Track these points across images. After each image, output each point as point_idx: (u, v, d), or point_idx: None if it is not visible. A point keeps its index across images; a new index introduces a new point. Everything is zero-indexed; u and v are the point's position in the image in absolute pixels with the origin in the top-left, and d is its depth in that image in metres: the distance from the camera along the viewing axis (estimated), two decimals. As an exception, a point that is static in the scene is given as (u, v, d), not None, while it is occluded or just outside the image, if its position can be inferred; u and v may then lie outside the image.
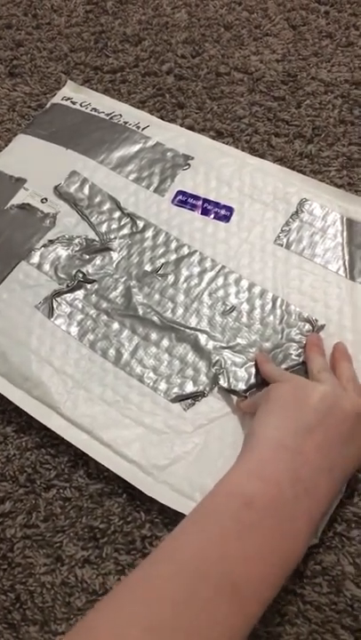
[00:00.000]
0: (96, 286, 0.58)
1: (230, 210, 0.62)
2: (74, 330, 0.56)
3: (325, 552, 0.48)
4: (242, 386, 0.53)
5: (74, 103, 0.71)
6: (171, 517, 0.50)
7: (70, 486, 0.51)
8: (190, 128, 0.71)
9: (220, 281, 0.58)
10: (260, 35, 0.78)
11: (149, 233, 0.61)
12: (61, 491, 0.51)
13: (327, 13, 0.79)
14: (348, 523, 0.49)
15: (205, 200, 0.63)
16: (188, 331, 0.56)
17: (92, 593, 0.48)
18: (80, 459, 0.52)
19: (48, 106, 0.72)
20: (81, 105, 0.71)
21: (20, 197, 0.64)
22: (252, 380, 0.53)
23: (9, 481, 0.52)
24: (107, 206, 0.63)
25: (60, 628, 0.46)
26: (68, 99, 0.72)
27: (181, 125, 0.72)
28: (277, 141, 0.69)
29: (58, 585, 0.48)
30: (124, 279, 0.59)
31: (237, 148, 0.69)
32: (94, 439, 0.51)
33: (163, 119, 0.72)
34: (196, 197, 0.63)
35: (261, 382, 0.53)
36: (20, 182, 0.65)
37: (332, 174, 0.66)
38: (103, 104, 0.71)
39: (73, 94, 0.72)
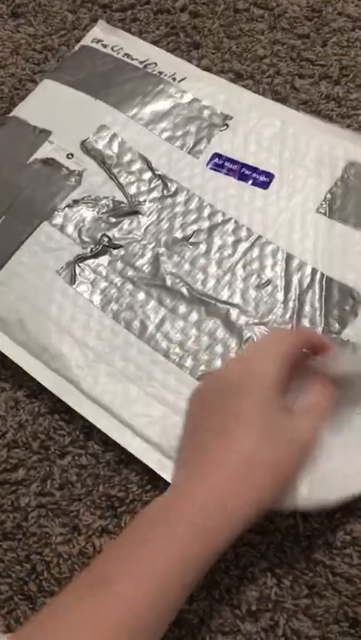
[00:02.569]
0: (122, 252, 0.57)
1: (270, 176, 0.59)
2: (97, 298, 0.55)
3: (356, 521, 0.47)
4: None
5: (105, 46, 0.68)
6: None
7: (86, 453, 0.51)
8: (207, 69, 0.68)
9: (256, 252, 0.56)
10: (282, -33, 0.72)
11: (181, 197, 0.59)
12: (77, 458, 0.51)
13: None
14: None
15: (243, 165, 0.60)
16: (218, 304, 0.54)
17: None
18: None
19: (77, 48, 0.69)
20: (113, 49, 0.68)
21: (44, 151, 0.62)
22: None
23: (22, 448, 0.52)
24: (137, 166, 0.61)
25: None
26: (99, 41, 0.69)
27: (197, 66, 0.67)
28: (302, 83, 0.65)
29: (75, 555, 0.48)
30: (152, 246, 0.57)
31: (258, 91, 0.67)
32: (114, 417, 0.50)
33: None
34: (233, 161, 0.60)
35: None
36: (44, 134, 0.63)
37: None
38: (137, 49, 0.68)
39: (104, 36, 0.69)
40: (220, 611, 0.45)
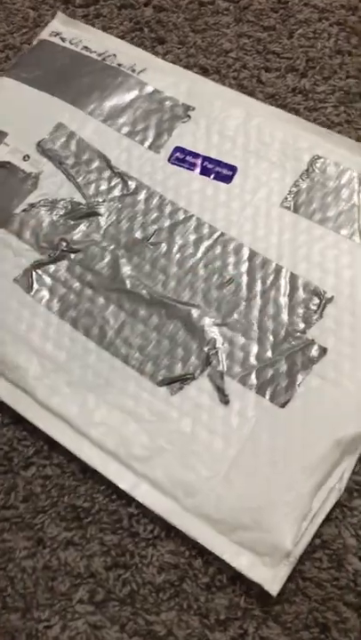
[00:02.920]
0: (81, 256, 0.55)
1: (233, 169, 0.58)
2: (55, 305, 0.54)
3: (325, 524, 0.47)
4: (237, 368, 0.50)
5: (63, 40, 0.66)
6: (158, 494, 0.46)
7: (51, 464, 0.50)
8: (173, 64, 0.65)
9: (218, 250, 0.55)
10: None
11: (142, 195, 0.57)
12: (41, 469, 0.50)
13: None
14: (350, 492, 0.47)
15: (206, 158, 0.59)
16: (179, 306, 0.53)
17: (77, 576, 0.46)
18: None
19: (35, 42, 0.67)
20: (71, 42, 0.66)
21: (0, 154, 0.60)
22: (250, 361, 0.50)
23: (-15, 461, 0.49)
24: (95, 165, 0.59)
25: (43, 615, 0.45)
26: (57, 34, 0.67)
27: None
28: (268, 76, 0.64)
29: (40, 569, 0.47)
30: (111, 248, 0.56)
31: (224, 85, 0.63)
32: (72, 428, 0.49)
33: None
34: (195, 155, 0.59)
35: (260, 366, 0.50)
36: (0, 136, 0.60)
37: (329, 111, 0.62)
38: (96, 41, 0.66)
39: (63, 28, 0.67)
40: (187, 621, 0.44)
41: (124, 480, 0.47)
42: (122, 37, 0.68)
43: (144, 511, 0.47)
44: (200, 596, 0.45)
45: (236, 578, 0.45)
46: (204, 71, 0.65)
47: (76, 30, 0.67)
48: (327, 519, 0.46)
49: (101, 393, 0.50)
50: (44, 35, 0.67)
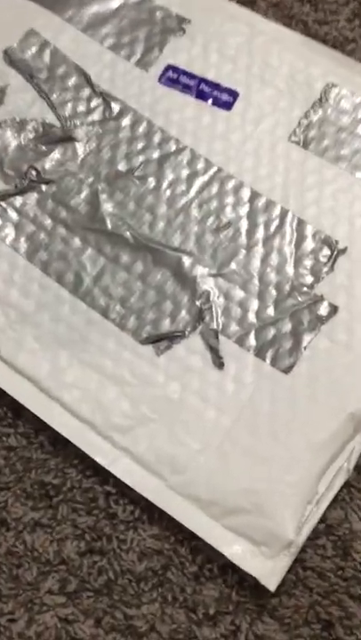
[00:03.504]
0: (54, 188, 0.49)
1: (234, 94, 0.51)
2: (22, 246, 0.47)
3: (330, 507, 0.41)
4: (234, 327, 0.44)
5: None
6: (141, 470, 0.41)
7: (15, 432, 0.44)
8: None
9: (215, 188, 0.48)
10: None
11: (127, 120, 0.50)
12: (4, 438, 0.44)
13: None
14: (359, 470, 0.41)
15: (202, 80, 0.51)
16: (168, 252, 0.46)
17: (46, 563, 0.41)
18: None
19: None
20: None
21: None
22: (249, 319, 0.44)
23: None
24: (73, 81, 0.52)
25: (7, 607, 0.40)
26: None
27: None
28: None
29: (2, 554, 0.41)
30: (90, 180, 0.49)
31: None
32: (41, 390, 0.43)
33: None
34: (190, 75, 0.51)
35: (260, 325, 0.44)
36: None
37: (342, 25, 0.55)
38: None
39: None
40: (172, 614, 0.39)
41: (100, 453, 0.41)
42: None
43: (123, 490, 0.41)
44: (187, 587, 0.39)
45: (229, 567, 0.40)
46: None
47: None
48: (333, 501, 0.41)
49: (76, 350, 0.43)
50: None
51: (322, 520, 0.40)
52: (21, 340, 0.44)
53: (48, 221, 0.47)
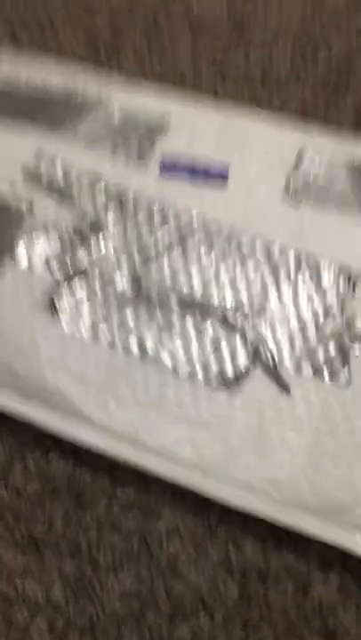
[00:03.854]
0: (96, 271, 0.53)
1: (224, 172, 0.57)
2: (85, 323, 0.51)
3: (290, 552, 0.45)
4: (287, 357, 0.49)
5: (18, 78, 0.64)
6: (117, 518, 0.45)
7: (6, 486, 0.48)
8: (130, 73, 0.62)
9: (234, 250, 0.54)
10: None
11: (142, 209, 0.56)
12: None
13: None
14: None
15: (194, 166, 0.57)
16: (213, 310, 0.51)
17: (35, 606, 0.43)
18: (17, 453, 0.48)
19: None
20: (27, 82, 0.63)
21: None
22: (298, 348, 0.49)
23: None
24: (86, 184, 0.57)
25: None
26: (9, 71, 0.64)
27: (119, 72, 0.62)
28: (224, 87, 0.61)
29: None
30: (125, 259, 0.53)
31: (183, 93, 0.62)
32: (139, 447, 0.46)
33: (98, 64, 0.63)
34: (182, 164, 0.58)
35: (310, 349, 0.49)
36: None
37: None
38: (55, 72, 0.64)
39: (9, 68, 0.65)
40: (150, 651, 0.43)
41: (208, 488, 0.45)
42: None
43: (103, 538, 0.45)
44: (163, 626, 0.43)
45: (200, 605, 0.43)
46: (163, 79, 0.62)
47: (24, 64, 0.64)
48: (293, 549, 0.45)
49: (159, 407, 0.47)
50: None
51: (282, 563, 0.45)
52: (107, 408, 0.47)
53: (99, 298, 0.51)
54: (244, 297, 0.51)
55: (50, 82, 0.62)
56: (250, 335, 0.50)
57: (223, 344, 0.49)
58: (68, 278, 0.52)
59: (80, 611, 0.44)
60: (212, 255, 0.53)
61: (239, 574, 0.44)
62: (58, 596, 0.44)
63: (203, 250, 0.53)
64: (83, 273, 0.52)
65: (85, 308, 0.51)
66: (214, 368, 0.49)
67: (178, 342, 0.50)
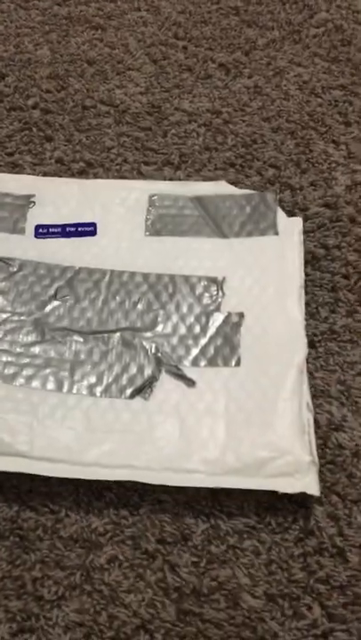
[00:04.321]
0: (7, 327, 0.60)
1: (92, 225, 0.67)
2: (5, 373, 0.57)
3: (220, 567, 0.50)
4: (185, 357, 0.58)
5: None
6: (63, 554, 0.49)
7: None
8: (59, 160, 0.74)
9: (116, 284, 0.63)
10: (122, 69, 0.81)
11: (28, 270, 0.64)
12: None
13: (185, 48, 0.83)
14: (240, 534, 0.51)
15: (65, 225, 0.67)
16: (112, 334, 0.60)
17: None
18: None
19: None
20: None
21: None
22: (194, 349, 0.58)
23: None
24: None
25: None
26: None
27: (50, 158, 0.72)
28: (147, 169, 0.72)
29: None
30: (27, 315, 0.61)
31: (108, 177, 0.71)
32: (76, 464, 0.53)
33: (31, 152, 0.72)
34: (54, 226, 0.67)
35: (202, 347, 0.59)
36: None
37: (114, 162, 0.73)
38: None
39: None
40: None
41: (177, 481, 0.52)
42: (12, 136, 0.75)
43: (48, 573, 0.48)
44: (107, 651, 0.46)
45: (140, 627, 0.47)
46: (90, 165, 0.72)
47: None
48: (222, 562, 0.50)
49: (87, 428, 0.54)
50: None
51: (215, 579, 0.49)
52: (41, 440, 0.53)
53: (16, 349, 0.58)
54: (137, 322, 0.60)
55: None
56: (148, 347, 0.58)
57: (127, 360, 0.58)
58: None
59: (27, 645, 0.46)
60: (102, 294, 0.62)
61: (176, 594, 0.48)
62: (5, 634, 0.46)
63: (90, 291, 0.62)
64: None
65: (2, 358, 0.58)
66: (126, 382, 0.57)
67: (89, 371, 0.57)
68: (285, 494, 0.52)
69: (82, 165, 0.72)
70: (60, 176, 0.72)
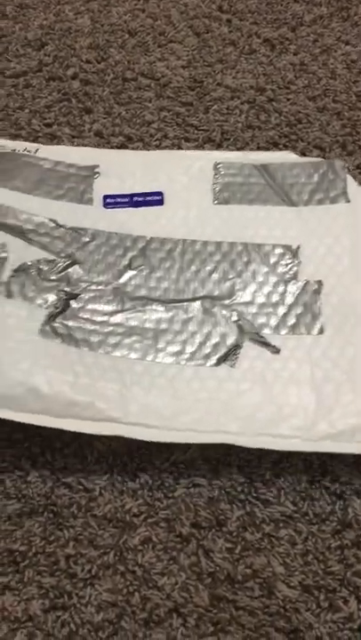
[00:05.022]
0: (86, 297, 0.59)
1: (160, 194, 0.66)
2: (91, 341, 0.57)
3: (255, 554, 0.49)
4: (267, 325, 0.58)
5: None
6: (96, 533, 0.48)
7: (-15, 508, 0.49)
8: (98, 133, 0.72)
9: (190, 254, 0.62)
10: (164, 42, 0.79)
11: (100, 240, 0.63)
12: None
13: (229, 22, 0.81)
14: (276, 523, 0.51)
15: (133, 195, 0.66)
16: (191, 303, 0.59)
17: (15, 621, 0.47)
18: None
19: None
20: None
21: None
22: (273, 318, 0.58)
23: None
24: (46, 228, 0.63)
25: None
26: None
27: (89, 131, 0.71)
28: (188, 146, 0.71)
29: None
30: (106, 284, 0.60)
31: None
32: (171, 430, 0.53)
33: (70, 124, 0.71)
34: (122, 195, 0.66)
35: (284, 314, 0.58)
36: None
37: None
38: None
39: None
40: (128, 657, 0.45)
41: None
42: (50, 106, 0.73)
43: (81, 551, 0.48)
44: (138, 633, 0.46)
45: (173, 610, 0.46)
46: (129, 139, 0.71)
47: None
48: (257, 549, 0.49)
49: (176, 396, 0.54)
50: None
51: (249, 566, 0.48)
52: (129, 406, 0.53)
53: (99, 318, 0.57)
54: (214, 291, 0.59)
55: None
56: (229, 315, 0.58)
57: (209, 328, 0.57)
58: (61, 307, 0.58)
59: (59, 623, 0.46)
60: (176, 263, 0.61)
61: (209, 579, 0.48)
62: (37, 611, 0.46)
63: (165, 260, 0.61)
64: (71, 300, 0.58)
65: (88, 327, 0.57)
66: (210, 351, 0.56)
67: (172, 340, 0.57)
68: (323, 485, 0.51)
69: (121, 139, 0.71)
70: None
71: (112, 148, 0.71)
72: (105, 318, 0.58)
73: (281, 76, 0.76)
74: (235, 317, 0.58)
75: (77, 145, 0.71)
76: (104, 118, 0.72)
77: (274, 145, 0.71)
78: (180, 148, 0.70)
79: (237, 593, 0.48)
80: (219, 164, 0.67)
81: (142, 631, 0.46)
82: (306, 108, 0.73)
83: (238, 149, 0.70)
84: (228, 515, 0.50)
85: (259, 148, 0.70)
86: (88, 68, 0.76)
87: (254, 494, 0.51)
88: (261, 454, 0.53)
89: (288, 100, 0.74)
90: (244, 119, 0.73)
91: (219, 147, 0.70)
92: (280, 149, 0.71)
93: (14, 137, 0.71)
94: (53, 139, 0.71)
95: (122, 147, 0.71)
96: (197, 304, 0.59)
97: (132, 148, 0.70)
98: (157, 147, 0.70)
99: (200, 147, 0.70)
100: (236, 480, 0.52)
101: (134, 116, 0.73)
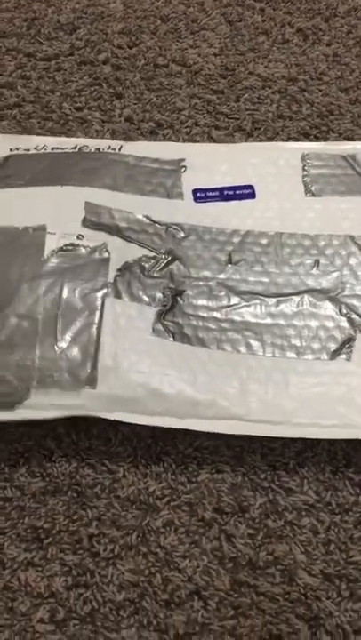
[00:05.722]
0: (190, 293, 0.59)
1: (250, 187, 0.66)
2: (203, 338, 0.56)
3: (277, 542, 0.50)
4: None
5: (27, 150, 0.69)
6: (119, 514, 0.49)
7: (11, 485, 0.52)
8: (129, 119, 0.72)
9: (288, 247, 0.62)
10: (197, 28, 0.79)
11: (195, 235, 0.62)
12: (1, 490, 0.51)
13: (263, 10, 0.81)
14: (299, 511, 0.51)
15: (223, 188, 0.66)
16: (296, 297, 0.59)
17: (37, 596, 0.47)
18: (21, 457, 0.52)
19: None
20: (36, 149, 0.69)
21: (51, 243, 0.60)
22: None
23: None
24: (142, 225, 0.63)
25: (3, 635, 0.46)
26: (18, 148, 0.69)
27: (120, 116, 0.71)
28: (218, 134, 0.71)
29: (0, 590, 0.46)
30: (209, 279, 0.60)
31: (177, 140, 0.72)
32: (294, 426, 0.53)
33: (100, 108, 0.71)
34: (212, 189, 0.66)
35: None
36: (40, 230, 0.60)
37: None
38: (60, 141, 0.70)
39: (21, 143, 0.69)
40: (147, 637, 0.46)
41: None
42: (81, 90, 0.74)
43: (104, 531, 0.49)
44: (159, 613, 0.47)
45: (194, 593, 0.47)
46: (159, 125, 0.71)
47: (36, 140, 0.69)
48: (279, 537, 0.50)
49: (293, 392, 0.53)
50: (3, 152, 0.68)
51: (270, 553, 0.49)
52: (249, 403, 0.53)
53: (206, 314, 0.57)
54: (319, 283, 0.59)
55: (60, 145, 0.68)
56: (338, 308, 0.58)
57: (318, 322, 0.57)
58: (169, 304, 0.58)
59: (81, 600, 0.47)
60: (277, 254, 0.61)
61: (231, 564, 0.49)
62: (59, 587, 0.47)
63: (263, 253, 0.61)
64: (178, 296, 0.58)
65: (197, 323, 0.57)
66: (323, 344, 0.56)
67: (278, 331, 0.57)
68: (347, 475, 0.51)
69: (151, 125, 0.71)
70: (129, 135, 0.71)
71: (142, 133, 0.71)
72: (213, 314, 0.57)
73: (313, 66, 0.76)
74: (344, 310, 0.57)
75: (107, 130, 0.71)
76: (134, 104, 0.73)
77: (305, 136, 0.71)
78: (210, 136, 0.71)
79: (258, 579, 0.48)
80: (306, 154, 0.67)
81: (163, 612, 0.47)
82: (338, 99, 0.73)
83: (268, 139, 0.71)
84: (250, 501, 0.51)
85: (289, 139, 0.70)
86: (120, 53, 0.77)
87: (277, 482, 0.51)
88: (285, 443, 0.53)
89: (320, 90, 0.74)
90: (275, 109, 0.73)
91: (249, 136, 0.71)
92: (310, 141, 0.71)
93: (45, 120, 0.72)
94: (83, 122, 0.71)
95: (152, 132, 0.71)
96: (303, 298, 0.58)
97: (162, 135, 0.71)
98: (187, 134, 0.71)
99: (230, 135, 0.71)
100: (259, 467, 0.52)
101: (165, 102, 0.73)
